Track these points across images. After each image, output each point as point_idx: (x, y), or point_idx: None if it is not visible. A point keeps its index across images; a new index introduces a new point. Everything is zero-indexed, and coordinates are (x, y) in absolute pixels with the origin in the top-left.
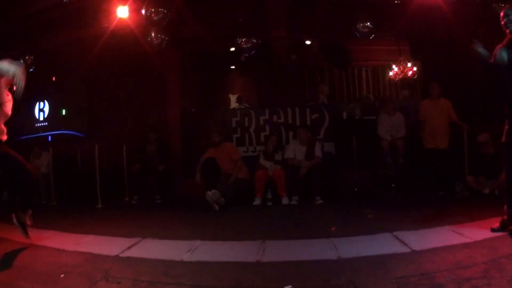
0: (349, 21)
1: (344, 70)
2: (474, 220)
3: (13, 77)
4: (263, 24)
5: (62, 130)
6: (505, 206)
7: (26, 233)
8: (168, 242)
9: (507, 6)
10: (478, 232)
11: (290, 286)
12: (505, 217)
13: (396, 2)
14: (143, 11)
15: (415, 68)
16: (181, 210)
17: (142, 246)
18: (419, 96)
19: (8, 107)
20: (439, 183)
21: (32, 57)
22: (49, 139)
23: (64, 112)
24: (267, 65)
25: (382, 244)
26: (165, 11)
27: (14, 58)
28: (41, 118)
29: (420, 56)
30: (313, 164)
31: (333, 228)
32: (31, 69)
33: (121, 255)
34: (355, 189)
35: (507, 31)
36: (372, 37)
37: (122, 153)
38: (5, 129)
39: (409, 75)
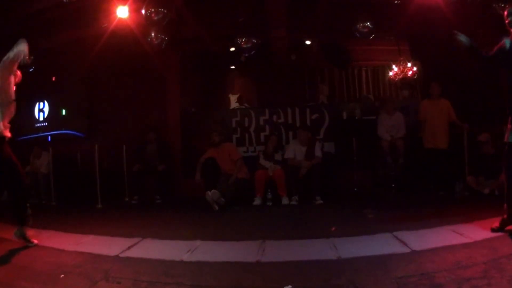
0: (349, 21)
1: (344, 70)
2: (474, 220)
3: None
4: (263, 24)
5: (62, 130)
6: (505, 205)
7: (29, 241)
8: (168, 242)
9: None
10: (478, 232)
11: (290, 286)
12: (505, 216)
13: (396, 2)
14: (143, 11)
15: (415, 68)
16: (181, 210)
17: (142, 246)
18: (419, 96)
19: (14, 106)
20: (439, 183)
21: (32, 57)
22: (49, 139)
23: (64, 112)
24: (267, 65)
25: (382, 244)
26: (165, 11)
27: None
28: (41, 118)
29: (420, 56)
30: (313, 164)
31: (333, 228)
32: (31, 69)
33: (121, 255)
34: (355, 189)
35: (511, 30)
36: (372, 37)
37: (122, 153)
38: (9, 126)
39: (409, 75)
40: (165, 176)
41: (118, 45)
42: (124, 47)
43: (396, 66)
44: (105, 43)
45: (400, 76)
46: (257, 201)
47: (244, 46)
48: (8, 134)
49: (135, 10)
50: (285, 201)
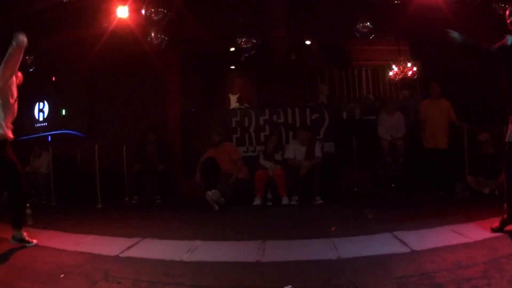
0: (349, 21)
1: (344, 70)
2: (474, 220)
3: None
4: (263, 24)
5: (62, 130)
6: (505, 205)
7: (28, 242)
8: (168, 242)
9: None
10: (478, 232)
11: (290, 286)
12: (505, 216)
13: (396, 2)
14: (143, 11)
15: (415, 68)
16: (181, 210)
17: (142, 246)
18: (419, 96)
19: (16, 106)
20: (439, 183)
21: (32, 57)
22: (49, 139)
23: (64, 112)
24: (267, 65)
25: (382, 244)
26: (165, 11)
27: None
28: (41, 119)
29: (420, 56)
30: (313, 164)
31: (333, 228)
32: (31, 69)
33: (121, 255)
34: (355, 189)
35: None
36: (372, 37)
37: (122, 153)
38: (12, 127)
39: (409, 75)
40: (165, 176)
41: (118, 45)
42: (124, 47)
43: (396, 66)
44: (105, 43)
45: (400, 76)
46: (257, 201)
47: (244, 46)
48: (10, 135)
49: (135, 10)
50: (285, 201)
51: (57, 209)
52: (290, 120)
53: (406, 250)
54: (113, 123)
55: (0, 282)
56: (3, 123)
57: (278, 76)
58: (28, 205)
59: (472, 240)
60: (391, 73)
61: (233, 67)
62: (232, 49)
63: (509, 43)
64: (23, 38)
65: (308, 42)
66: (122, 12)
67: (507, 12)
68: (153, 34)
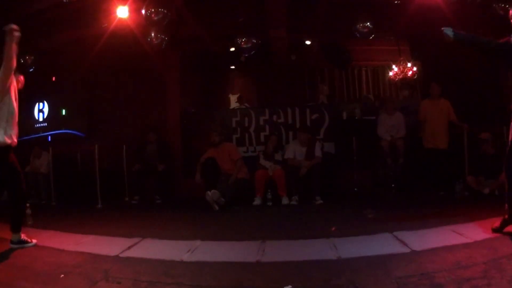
0: (349, 21)
1: (344, 70)
2: (474, 220)
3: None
4: (263, 24)
5: (62, 130)
6: (506, 206)
7: (27, 242)
8: (168, 242)
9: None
10: (478, 232)
11: (290, 286)
12: (506, 216)
13: (396, 2)
14: (143, 11)
15: (415, 68)
16: (181, 210)
17: (142, 246)
18: (419, 96)
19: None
20: (439, 183)
21: (32, 57)
22: (49, 139)
23: (64, 112)
24: (267, 65)
25: (382, 244)
26: (165, 11)
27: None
28: (41, 119)
29: (420, 56)
30: (313, 164)
31: (333, 228)
32: (31, 69)
33: (121, 255)
34: (355, 189)
35: None
36: (372, 37)
37: (122, 153)
38: (17, 132)
39: (409, 75)
40: (165, 176)
41: (118, 45)
42: (124, 47)
43: (396, 66)
44: (105, 43)
45: (400, 76)
46: (257, 201)
47: (244, 46)
48: (15, 141)
49: (135, 10)
50: (285, 201)
51: (57, 209)
52: (290, 120)
53: (406, 250)
54: (113, 123)
55: (0, 282)
56: (9, 130)
57: (278, 76)
58: (28, 205)
59: (472, 240)
60: (391, 73)
61: (233, 67)
62: (232, 49)
63: None
64: (16, 34)
65: (308, 42)
66: (122, 12)
67: (510, 13)
68: (153, 34)
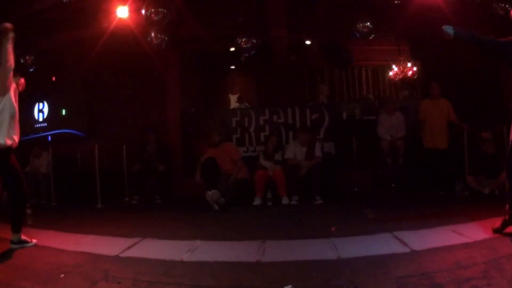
0: (349, 21)
1: (344, 70)
2: (474, 220)
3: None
4: (263, 24)
5: (62, 129)
6: (507, 206)
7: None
8: (168, 242)
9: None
10: (478, 232)
11: (290, 286)
12: (507, 217)
13: (396, 2)
14: (143, 11)
15: (415, 68)
16: (181, 210)
17: (142, 246)
18: (419, 96)
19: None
20: (439, 183)
21: (32, 57)
22: (49, 139)
23: (64, 112)
24: (267, 65)
25: (382, 244)
26: (165, 11)
27: None
28: (41, 119)
29: (420, 56)
30: (313, 164)
31: (333, 228)
32: (31, 69)
33: (121, 255)
34: (355, 189)
35: None
36: (372, 37)
37: (122, 153)
38: (18, 133)
39: (409, 75)
40: (165, 176)
41: (118, 45)
42: (124, 47)
43: (396, 66)
44: (105, 43)
45: (400, 76)
46: (257, 201)
47: (244, 46)
48: (16, 142)
49: (135, 10)
50: (285, 201)
51: (57, 209)
52: (290, 120)
53: (406, 250)
54: (113, 123)
55: (0, 282)
56: (11, 131)
57: (278, 76)
58: (28, 205)
59: (472, 240)
60: (391, 73)
61: (233, 67)
62: (232, 49)
63: None
64: (11, 34)
65: (308, 42)
66: (122, 12)
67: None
68: (153, 34)
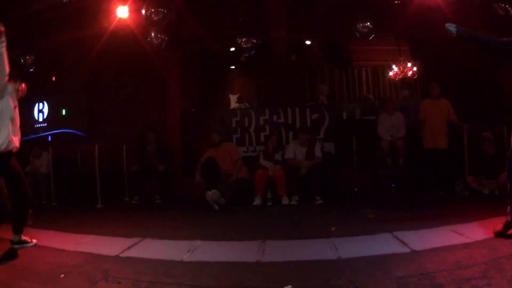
0: (349, 21)
1: (344, 70)
2: (474, 220)
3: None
4: (263, 24)
5: (62, 129)
6: (508, 208)
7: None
8: (168, 242)
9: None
10: (478, 232)
11: (290, 286)
12: (509, 218)
13: (396, 2)
14: (143, 11)
15: (415, 68)
16: (181, 210)
17: (142, 246)
18: (419, 96)
19: (18, 114)
20: (439, 183)
21: (32, 57)
22: (49, 139)
23: (64, 112)
24: (267, 65)
25: (382, 244)
26: (165, 11)
27: None
28: (41, 119)
29: (420, 56)
30: (313, 164)
31: (333, 228)
32: (31, 69)
33: (121, 255)
34: (355, 189)
35: None
36: (372, 37)
37: (122, 153)
38: (19, 136)
39: (409, 75)
40: (165, 176)
41: (118, 45)
42: (124, 47)
43: (396, 66)
44: (105, 43)
45: (400, 76)
46: (257, 201)
47: (244, 46)
48: (17, 146)
49: (135, 10)
50: (285, 201)
51: (57, 209)
52: (290, 120)
53: (406, 250)
54: (113, 123)
55: (0, 282)
56: (12, 135)
57: (278, 76)
58: None
59: (472, 240)
60: (391, 73)
61: (233, 67)
62: (232, 49)
63: None
64: (4, 37)
65: (308, 42)
66: (122, 12)
67: None
68: (153, 34)
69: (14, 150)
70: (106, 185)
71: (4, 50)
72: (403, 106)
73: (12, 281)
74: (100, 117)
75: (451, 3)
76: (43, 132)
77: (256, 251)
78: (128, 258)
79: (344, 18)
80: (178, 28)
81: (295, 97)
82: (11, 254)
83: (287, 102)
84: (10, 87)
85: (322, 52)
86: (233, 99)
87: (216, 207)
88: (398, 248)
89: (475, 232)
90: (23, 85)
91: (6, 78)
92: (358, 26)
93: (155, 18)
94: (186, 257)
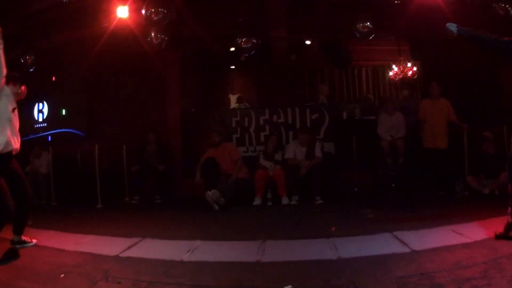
0: (349, 21)
1: (344, 70)
2: (474, 220)
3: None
4: (263, 24)
5: (62, 129)
6: (509, 209)
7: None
8: (168, 242)
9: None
10: (478, 232)
11: (290, 286)
12: (509, 219)
13: (396, 2)
14: (143, 11)
15: (415, 68)
16: (181, 210)
17: (142, 246)
18: (419, 96)
19: (17, 115)
20: (439, 183)
21: (32, 57)
22: (49, 139)
23: (64, 112)
24: (267, 65)
25: (382, 244)
26: (165, 11)
27: None
28: (40, 119)
29: (420, 56)
30: (313, 164)
31: (333, 228)
32: (31, 69)
33: (121, 255)
34: (355, 189)
35: None
36: (372, 37)
37: (122, 153)
38: (19, 137)
39: (409, 75)
40: (165, 176)
41: (118, 45)
42: (124, 47)
43: (396, 66)
44: (105, 43)
45: (400, 76)
46: (257, 201)
47: (244, 46)
48: (16, 148)
49: (135, 10)
50: (285, 201)
51: (57, 209)
52: (290, 120)
53: (406, 250)
54: (113, 123)
55: (0, 282)
56: (11, 137)
57: (278, 76)
58: None
59: (472, 240)
60: (391, 73)
61: (233, 67)
62: (232, 49)
63: None
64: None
65: (308, 42)
66: (122, 12)
67: None
68: (153, 34)
69: (14, 152)
70: (106, 185)
71: (1, 52)
72: (403, 106)
73: (12, 281)
74: (100, 117)
75: (451, 3)
76: (43, 132)
77: (256, 251)
78: (128, 258)
79: (344, 18)
80: (178, 28)
81: (295, 97)
82: (11, 254)
83: (287, 102)
84: (8, 89)
85: (322, 52)
86: (233, 99)
87: (216, 207)
88: (398, 248)
89: (475, 232)
90: (23, 87)
91: (3, 80)
92: (358, 26)
93: (155, 18)
94: (186, 257)
